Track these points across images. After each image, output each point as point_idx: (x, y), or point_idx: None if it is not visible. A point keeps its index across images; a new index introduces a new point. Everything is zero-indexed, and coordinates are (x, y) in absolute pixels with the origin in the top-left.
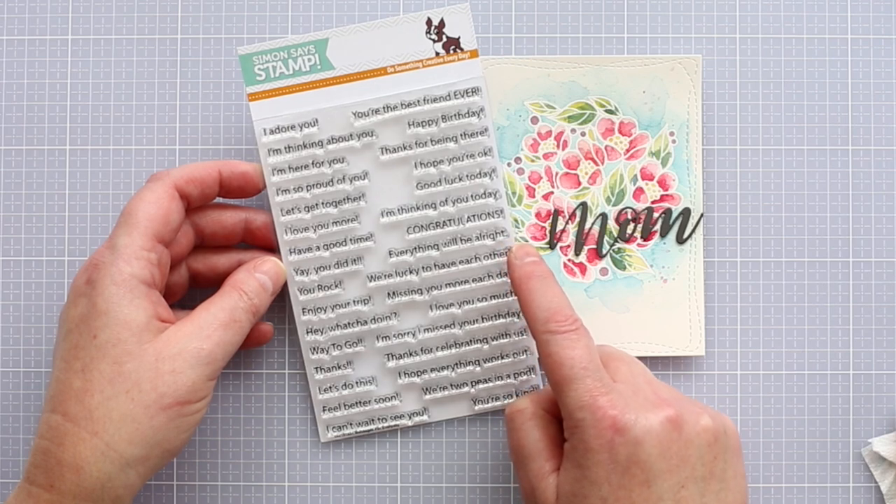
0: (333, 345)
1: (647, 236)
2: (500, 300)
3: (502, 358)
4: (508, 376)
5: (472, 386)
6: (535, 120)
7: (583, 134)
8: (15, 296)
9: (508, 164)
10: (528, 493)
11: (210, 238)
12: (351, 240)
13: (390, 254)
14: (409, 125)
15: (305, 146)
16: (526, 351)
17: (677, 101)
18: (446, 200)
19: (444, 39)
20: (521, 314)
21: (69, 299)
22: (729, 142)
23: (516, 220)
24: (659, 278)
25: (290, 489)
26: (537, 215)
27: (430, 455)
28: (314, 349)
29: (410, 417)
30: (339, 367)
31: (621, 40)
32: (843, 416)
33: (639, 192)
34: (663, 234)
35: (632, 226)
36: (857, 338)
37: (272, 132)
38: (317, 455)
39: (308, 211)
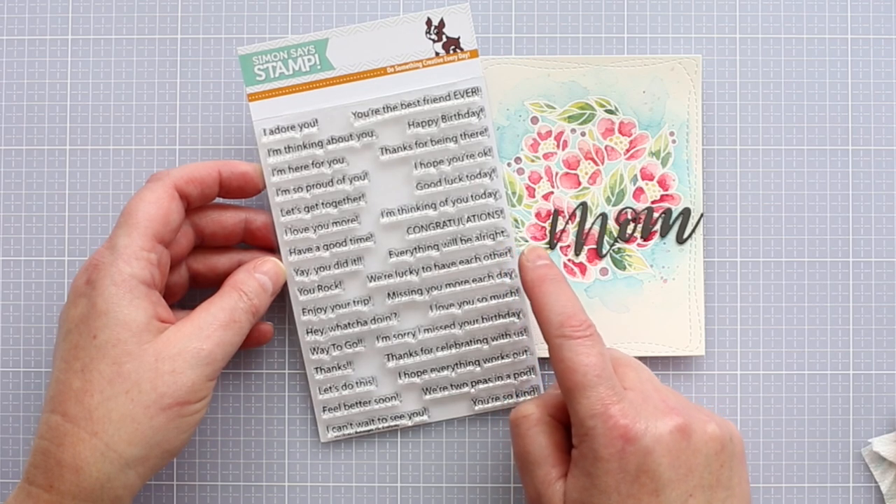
0: (333, 345)
1: (647, 236)
2: (500, 300)
3: (502, 358)
4: (508, 376)
5: (472, 386)
6: (535, 120)
7: (583, 134)
8: (15, 296)
9: (508, 164)
10: (534, 499)
11: (210, 238)
12: (351, 240)
13: (390, 254)
14: (409, 125)
15: (305, 146)
16: (526, 351)
17: (677, 101)
18: (446, 200)
19: (444, 39)
20: (521, 314)
21: (69, 299)
22: (729, 142)
23: (516, 220)
24: (659, 278)
25: (290, 489)
26: (537, 215)
27: (430, 455)
28: (314, 349)
29: (410, 417)
30: (339, 368)
31: (621, 40)
32: (842, 416)
33: (639, 192)
34: (663, 234)
35: (632, 226)
36: (857, 338)
37: (272, 132)
38: (317, 455)
39: (308, 211)
